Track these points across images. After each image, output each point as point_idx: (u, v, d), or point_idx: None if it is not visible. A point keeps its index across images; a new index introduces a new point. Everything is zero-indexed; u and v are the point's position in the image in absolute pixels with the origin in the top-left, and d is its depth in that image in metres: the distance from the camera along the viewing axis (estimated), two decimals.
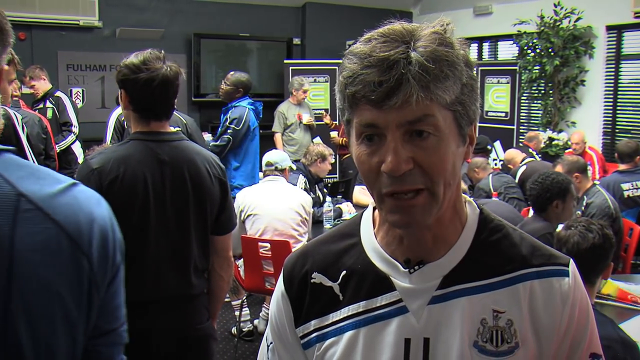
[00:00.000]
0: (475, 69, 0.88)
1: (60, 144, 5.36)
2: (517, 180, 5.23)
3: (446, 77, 0.81)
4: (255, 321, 4.42)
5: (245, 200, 3.94)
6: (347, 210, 4.90)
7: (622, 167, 5.00)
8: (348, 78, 0.82)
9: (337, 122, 6.99)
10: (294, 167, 4.48)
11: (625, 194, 4.79)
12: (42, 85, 5.69)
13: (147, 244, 1.96)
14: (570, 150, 6.62)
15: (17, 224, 0.82)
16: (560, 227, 2.39)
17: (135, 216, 1.92)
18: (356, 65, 0.81)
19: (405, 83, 0.78)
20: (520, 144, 6.75)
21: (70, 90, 7.33)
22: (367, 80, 0.80)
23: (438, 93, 0.80)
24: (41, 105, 5.61)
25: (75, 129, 5.54)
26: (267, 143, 6.73)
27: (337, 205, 4.87)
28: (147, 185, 1.94)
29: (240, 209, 3.93)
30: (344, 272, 0.96)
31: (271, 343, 1.03)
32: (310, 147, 5.18)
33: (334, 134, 6.99)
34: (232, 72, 5.15)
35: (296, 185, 4.67)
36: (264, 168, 4.18)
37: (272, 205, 3.88)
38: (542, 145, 7.10)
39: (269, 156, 4.19)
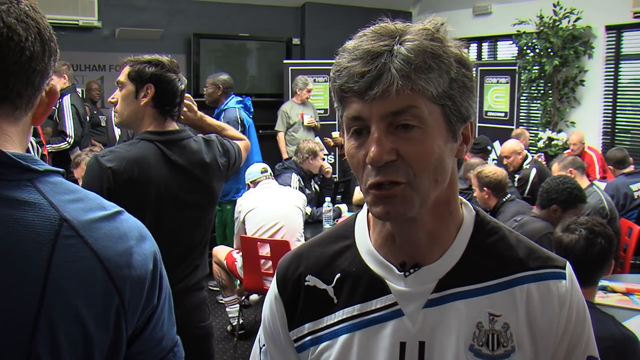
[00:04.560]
0: (474, 68, 0.88)
1: (53, 145, 5.26)
2: (529, 184, 5.12)
3: (430, 69, 0.81)
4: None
5: (243, 202, 4.02)
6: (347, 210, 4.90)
7: (625, 170, 5.06)
8: (336, 72, 0.85)
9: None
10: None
11: (636, 194, 4.81)
12: (59, 83, 5.29)
13: (160, 244, 1.97)
14: (569, 150, 6.61)
15: (55, 250, 0.80)
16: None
17: (148, 217, 1.93)
18: (344, 60, 0.83)
19: (386, 73, 0.80)
20: None
21: None
22: (352, 72, 0.82)
23: (420, 83, 0.80)
24: None
25: (70, 139, 5.29)
26: (269, 143, 6.72)
27: (337, 205, 4.86)
28: (159, 186, 1.98)
29: (238, 210, 4.01)
30: (338, 275, 0.95)
31: (264, 345, 1.02)
32: (300, 145, 5.10)
33: (335, 133, 6.97)
34: (211, 75, 5.17)
35: (290, 183, 4.68)
36: (257, 175, 4.19)
37: (275, 207, 3.94)
38: (541, 145, 7.09)
39: (261, 164, 4.28)
